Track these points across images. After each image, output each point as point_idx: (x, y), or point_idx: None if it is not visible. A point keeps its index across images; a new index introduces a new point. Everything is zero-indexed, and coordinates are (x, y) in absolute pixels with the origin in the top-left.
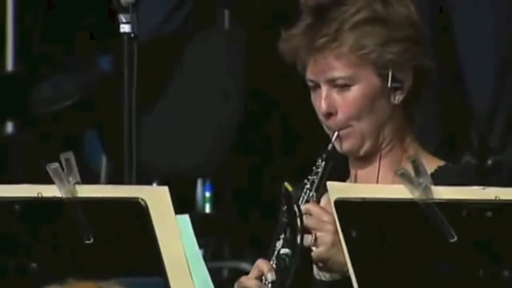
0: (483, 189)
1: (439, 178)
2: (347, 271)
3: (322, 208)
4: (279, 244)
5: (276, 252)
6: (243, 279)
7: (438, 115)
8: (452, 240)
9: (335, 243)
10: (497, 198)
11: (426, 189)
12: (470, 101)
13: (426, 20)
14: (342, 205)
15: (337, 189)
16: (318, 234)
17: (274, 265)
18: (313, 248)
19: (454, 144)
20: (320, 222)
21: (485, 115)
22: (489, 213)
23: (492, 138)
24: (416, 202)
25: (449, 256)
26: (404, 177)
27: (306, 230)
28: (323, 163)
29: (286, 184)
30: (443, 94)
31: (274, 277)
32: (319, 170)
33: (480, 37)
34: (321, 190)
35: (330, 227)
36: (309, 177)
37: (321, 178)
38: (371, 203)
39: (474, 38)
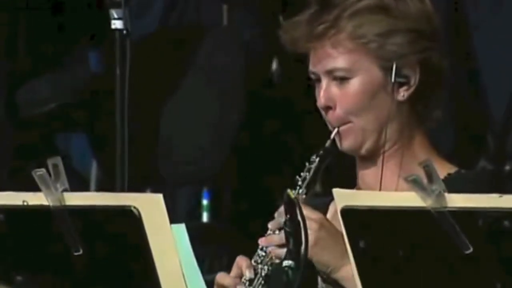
0: (500, 197)
1: (449, 187)
2: (331, 272)
3: (308, 206)
4: (261, 241)
5: (258, 250)
6: (219, 276)
7: (452, 118)
8: (467, 251)
9: (319, 242)
10: None
11: (439, 196)
12: (486, 102)
13: (441, 19)
14: (349, 214)
15: (344, 197)
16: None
17: (254, 262)
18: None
19: (469, 149)
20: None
21: (502, 117)
22: (506, 223)
23: (510, 142)
24: (429, 210)
25: (464, 268)
26: (415, 183)
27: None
28: (317, 159)
29: (288, 191)
30: (458, 95)
31: (252, 275)
32: (312, 166)
33: (497, 37)
34: (313, 187)
35: (313, 225)
36: (302, 173)
37: (313, 174)
38: (380, 212)
39: (491, 38)
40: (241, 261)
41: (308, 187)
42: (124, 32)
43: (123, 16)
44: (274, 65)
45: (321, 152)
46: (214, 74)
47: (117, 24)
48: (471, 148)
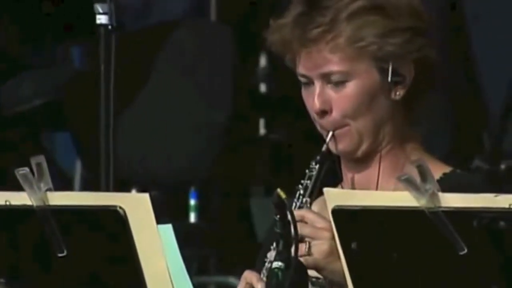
0: (496, 196)
1: (444, 187)
2: (343, 282)
3: (317, 214)
4: (270, 255)
5: (267, 264)
6: None
7: (448, 116)
8: (461, 252)
9: (333, 251)
10: (511, 207)
11: (433, 196)
12: (483, 100)
13: (437, 18)
14: (341, 214)
15: (335, 197)
16: (314, 242)
17: (264, 278)
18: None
19: (465, 147)
20: (316, 230)
21: (499, 115)
22: (502, 223)
23: (506, 140)
24: (422, 210)
25: (459, 269)
26: (409, 183)
27: (301, 240)
28: (317, 166)
29: (278, 191)
30: (455, 95)
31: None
32: (313, 173)
33: (494, 36)
34: (315, 195)
35: (326, 234)
36: (302, 181)
37: (315, 182)
38: (373, 212)
39: (488, 37)
40: (250, 275)
41: (310, 195)
42: (109, 27)
43: (108, 11)
44: (263, 63)
45: (318, 158)
46: (201, 71)
47: (102, 19)
48: (467, 147)
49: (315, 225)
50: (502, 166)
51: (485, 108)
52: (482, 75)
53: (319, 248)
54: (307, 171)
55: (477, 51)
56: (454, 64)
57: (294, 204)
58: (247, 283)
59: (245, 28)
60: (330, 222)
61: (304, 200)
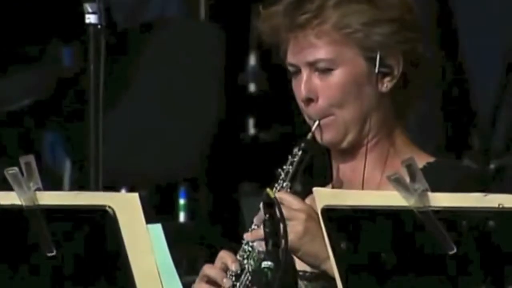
0: (485, 196)
1: (428, 175)
2: (321, 263)
3: (293, 196)
4: (246, 236)
5: (243, 245)
6: (206, 267)
7: (437, 116)
8: (451, 252)
9: (308, 232)
10: (501, 206)
11: (423, 196)
12: (472, 100)
13: (429, 19)
14: (330, 213)
15: (324, 196)
16: (289, 223)
17: (240, 258)
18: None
19: (454, 147)
20: (291, 211)
21: (488, 115)
22: (491, 223)
23: (495, 139)
24: (412, 210)
25: (448, 269)
26: (398, 182)
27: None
28: (300, 152)
29: (268, 190)
30: (444, 93)
31: (238, 269)
32: (295, 159)
33: (484, 36)
34: (297, 181)
35: (301, 215)
36: (284, 166)
37: (297, 168)
38: (362, 211)
39: (478, 37)
40: (225, 255)
41: (291, 181)
42: (99, 26)
43: (97, 10)
44: (252, 62)
45: (302, 144)
46: (191, 71)
47: (91, 18)
48: (457, 147)
49: (291, 206)
50: (491, 166)
51: (475, 108)
52: (471, 75)
53: (294, 228)
54: (289, 156)
55: (466, 50)
56: (443, 63)
57: (274, 188)
58: (222, 262)
59: (234, 28)
60: (306, 204)
61: (284, 184)
